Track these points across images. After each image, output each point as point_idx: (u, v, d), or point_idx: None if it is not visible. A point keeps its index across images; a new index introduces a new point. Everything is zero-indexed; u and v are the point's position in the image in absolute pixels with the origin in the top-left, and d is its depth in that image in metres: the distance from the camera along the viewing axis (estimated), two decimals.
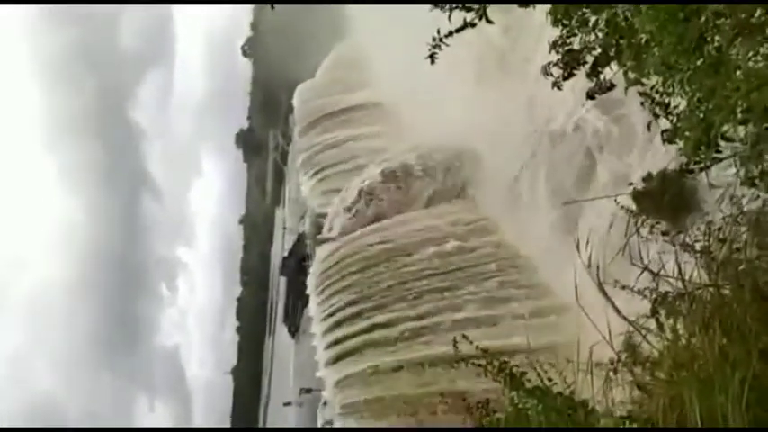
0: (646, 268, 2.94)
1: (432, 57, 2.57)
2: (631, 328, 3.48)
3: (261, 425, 52.21)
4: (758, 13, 2.36)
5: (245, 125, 77.36)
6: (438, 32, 2.52)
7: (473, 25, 2.55)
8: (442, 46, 2.77)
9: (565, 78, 3.64)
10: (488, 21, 2.52)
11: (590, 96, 3.75)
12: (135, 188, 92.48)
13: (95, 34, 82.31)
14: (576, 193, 20.72)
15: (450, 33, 2.51)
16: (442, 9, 2.41)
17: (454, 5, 2.40)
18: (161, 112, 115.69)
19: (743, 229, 2.94)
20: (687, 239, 4.05)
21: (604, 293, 2.82)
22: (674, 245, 4.20)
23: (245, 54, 77.04)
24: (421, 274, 24.57)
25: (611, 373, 3.16)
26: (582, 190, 20.64)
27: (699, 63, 2.87)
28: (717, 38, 2.78)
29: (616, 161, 19.24)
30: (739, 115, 2.45)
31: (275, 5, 2.63)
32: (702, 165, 2.98)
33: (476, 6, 2.46)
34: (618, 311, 2.75)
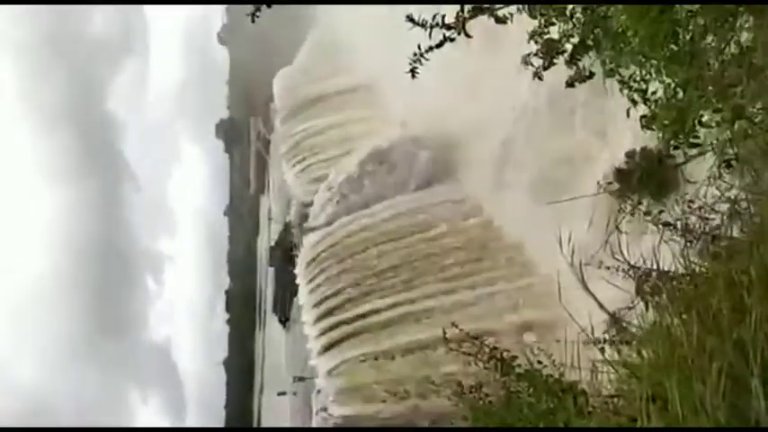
0: (631, 266, 3.02)
1: (413, 71, 2.59)
2: (616, 311, 3.58)
3: (256, 415, 52.53)
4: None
5: (225, 114, 76.34)
6: (419, 48, 2.53)
7: (452, 40, 2.57)
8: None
9: (545, 68, 3.69)
10: (467, 35, 2.54)
11: (569, 84, 3.80)
12: (115, 181, 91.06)
13: (67, 21, 79.93)
14: (562, 168, 20.71)
15: (431, 49, 2.53)
16: (423, 28, 2.42)
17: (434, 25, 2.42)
18: (138, 102, 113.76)
19: (720, 216, 3.03)
20: (668, 219, 4.16)
21: (586, 288, 2.90)
22: (655, 224, 4.31)
23: (221, 41, 75.79)
24: (409, 259, 24.72)
25: (598, 353, 3.25)
26: (568, 163, 20.63)
27: (674, 50, 2.93)
28: (690, 27, 2.84)
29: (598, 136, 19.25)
30: (713, 104, 2.52)
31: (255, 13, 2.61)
32: (681, 150, 3.05)
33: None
34: (600, 305, 2.84)
